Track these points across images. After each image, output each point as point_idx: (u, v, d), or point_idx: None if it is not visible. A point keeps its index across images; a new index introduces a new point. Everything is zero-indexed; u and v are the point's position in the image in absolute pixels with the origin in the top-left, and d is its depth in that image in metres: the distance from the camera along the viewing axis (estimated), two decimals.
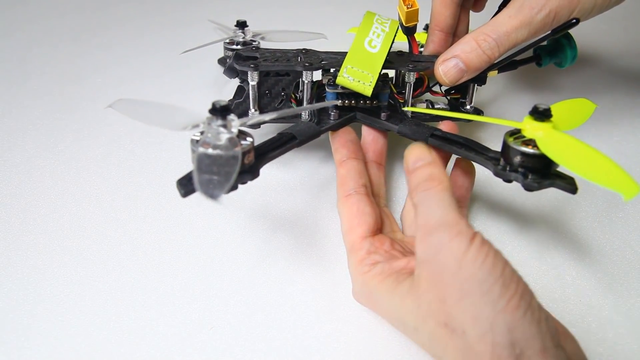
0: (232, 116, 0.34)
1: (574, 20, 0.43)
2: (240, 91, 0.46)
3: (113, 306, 0.40)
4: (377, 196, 0.44)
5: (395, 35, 0.44)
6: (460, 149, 0.41)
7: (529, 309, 0.29)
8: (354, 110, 0.47)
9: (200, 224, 0.46)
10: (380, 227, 0.40)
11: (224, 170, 0.32)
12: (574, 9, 0.40)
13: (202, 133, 0.34)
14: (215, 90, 0.60)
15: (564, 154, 0.35)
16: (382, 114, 0.46)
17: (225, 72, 0.47)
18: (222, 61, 0.56)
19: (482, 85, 0.49)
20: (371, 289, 0.36)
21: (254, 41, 0.60)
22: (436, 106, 0.49)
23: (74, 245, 0.44)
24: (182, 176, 0.35)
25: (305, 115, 0.46)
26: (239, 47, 0.58)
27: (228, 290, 0.41)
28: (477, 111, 0.50)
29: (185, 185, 0.34)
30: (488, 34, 0.41)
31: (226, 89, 0.60)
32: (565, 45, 0.49)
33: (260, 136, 0.44)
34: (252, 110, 0.45)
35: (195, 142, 0.34)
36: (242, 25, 0.58)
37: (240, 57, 0.45)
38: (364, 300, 0.38)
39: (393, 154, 0.50)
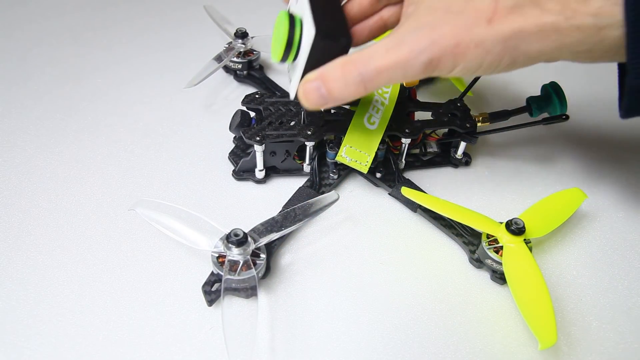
0: (247, 242, 0.39)
1: (564, 117, 0.47)
2: (244, 116, 0.48)
3: (113, 306, 0.40)
4: None
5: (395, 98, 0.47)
6: (444, 225, 0.46)
7: None
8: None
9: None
10: None
11: (246, 288, 0.39)
12: (459, 62, 0.35)
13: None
14: (215, 91, 0.60)
15: (515, 274, 0.40)
16: (377, 173, 0.49)
17: (233, 130, 0.49)
18: (218, 59, 0.56)
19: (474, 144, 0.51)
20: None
21: (255, 51, 0.60)
22: (428, 149, 0.51)
23: (74, 245, 0.44)
24: (206, 282, 0.40)
25: (307, 169, 0.49)
26: (239, 59, 0.59)
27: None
28: (467, 156, 0.52)
29: (210, 294, 0.40)
30: (356, 65, 0.35)
31: (225, 90, 0.60)
32: (555, 103, 0.49)
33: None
34: (258, 169, 0.49)
35: (216, 261, 0.40)
36: (242, 35, 0.59)
37: (246, 118, 0.47)
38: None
39: None
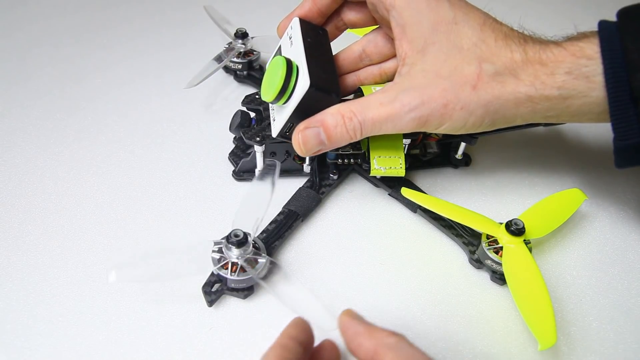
0: (247, 242, 0.39)
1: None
2: (244, 116, 0.48)
3: (113, 306, 0.40)
4: None
5: None
6: (444, 226, 0.46)
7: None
8: (352, 167, 0.50)
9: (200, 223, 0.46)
10: None
11: (245, 289, 0.40)
12: (445, 122, 0.38)
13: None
14: (215, 91, 0.60)
15: (515, 275, 0.40)
16: None
17: (233, 131, 0.48)
18: (218, 59, 0.56)
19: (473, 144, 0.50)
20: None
21: (255, 51, 0.60)
22: (428, 150, 0.51)
23: (74, 245, 0.44)
24: (206, 283, 0.40)
25: (307, 170, 0.49)
26: (239, 60, 0.59)
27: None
28: (467, 157, 0.53)
29: (210, 294, 0.40)
30: (355, 114, 0.38)
31: (225, 90, 0.60)
32: None
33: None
34: (258, 170, 0.48)
35: (217, 263, 0.39)
36: (243, 35, 0.59)
37: (246, 118, 0.47)
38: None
39: None
